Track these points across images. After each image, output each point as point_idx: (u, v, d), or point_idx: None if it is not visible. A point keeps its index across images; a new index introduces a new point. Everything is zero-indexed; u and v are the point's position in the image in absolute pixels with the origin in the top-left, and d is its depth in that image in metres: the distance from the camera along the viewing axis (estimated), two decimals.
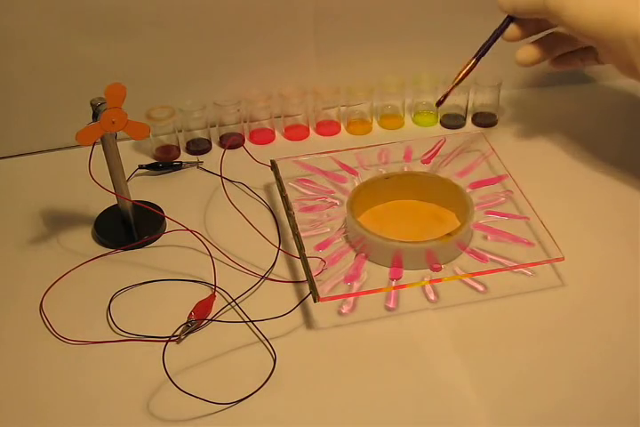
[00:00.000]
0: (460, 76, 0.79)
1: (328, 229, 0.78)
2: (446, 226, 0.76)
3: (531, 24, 0.77)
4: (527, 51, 0.78)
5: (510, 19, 0.77)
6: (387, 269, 0.74)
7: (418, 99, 0.94)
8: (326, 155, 0.84)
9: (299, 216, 0.77)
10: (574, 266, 0.73)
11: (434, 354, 0.66)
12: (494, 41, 0.78)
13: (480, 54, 0.78)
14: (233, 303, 0.71)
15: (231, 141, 0.90)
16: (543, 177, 0.84)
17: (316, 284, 0.68)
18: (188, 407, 0.62)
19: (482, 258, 0.74)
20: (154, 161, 0.89)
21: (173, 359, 0.65)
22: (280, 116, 0.92)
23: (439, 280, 0.71)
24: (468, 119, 0.94)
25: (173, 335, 0.68)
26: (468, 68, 0.78)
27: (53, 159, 0.90)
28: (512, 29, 0.77)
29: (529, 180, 0.80)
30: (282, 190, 0.79)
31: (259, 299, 0.72)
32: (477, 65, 0.78)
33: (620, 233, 0.77)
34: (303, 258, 0.71)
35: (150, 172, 0.88)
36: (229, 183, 0.84)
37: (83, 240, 0.79)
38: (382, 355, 0.67)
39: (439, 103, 0.80)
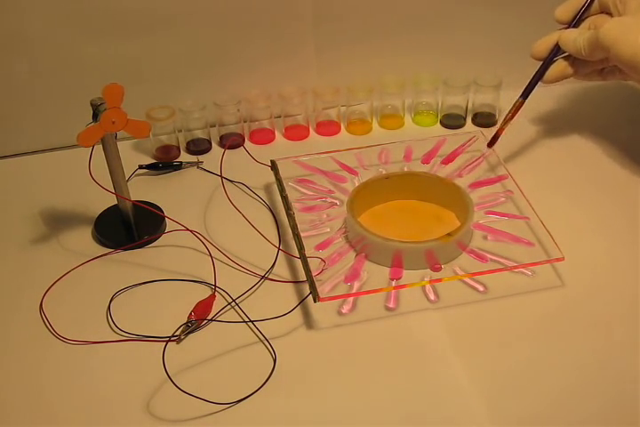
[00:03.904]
0: (510, 116, 0.80)
1: (328, 229, 0.78)
2: (446, 226, 0.76)
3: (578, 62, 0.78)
4: (558, 67, 0.78)
5: (554, 55, 0.78)
6: (387, 269, 0.74)
7: (418, 99, 0.94)
8: (326, 155, 0.84)
9: (299, 216, 0.77)
10: (574, 266, 0.73)
11: (434, 354, 0.66)
12: (540, 78, 0.79)
13: (527, 92, 0.80)
14: (233, 303, 0.71)
15: (231, 141, 0.90)
16: (543, 177, 0.84)
17: (316, 284, 0.68)
18: (188, 407, 0.62)
19: (482, 258, 0.74)
20: (154, 161, 0.89)
21: (173, 359, 0.65)
22: (280, 116, 0.92)
23: (439, 280, 0.71)
24: (468, 119, 0.94)
25: (173, 335, 0.68)
26: (516, 107, 0.80)
27: (53, 159, 0.90)
28: (562, 67, 0.78)
29: (529, 180, 0.80)
30: (282, 190, 0.79)
31: (259, 299, 0.72)
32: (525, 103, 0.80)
33: (620, 233, 0.77)
34: (303, 258, 0.71)
35: (150, 172, 0.88)
36: (229, 183, 0.84)
37: (83, 240, 0.79)
38: (382, 355, 0.67)
39: (491, 144, 0.81)
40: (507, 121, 0.80)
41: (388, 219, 0.79)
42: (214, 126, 0.91)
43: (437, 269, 0.73)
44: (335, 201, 0.81)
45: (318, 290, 0.68)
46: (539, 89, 0.80)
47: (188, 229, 0.74)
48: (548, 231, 0.73)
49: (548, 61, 0.78)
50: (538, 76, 0.79)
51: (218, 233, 0.78)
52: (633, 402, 0.62)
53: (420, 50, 0.93)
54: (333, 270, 0.73)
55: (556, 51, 0.78)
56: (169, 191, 0.85)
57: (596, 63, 0.78)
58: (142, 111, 0.85)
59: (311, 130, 0.94)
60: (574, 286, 0.72)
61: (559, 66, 0.78)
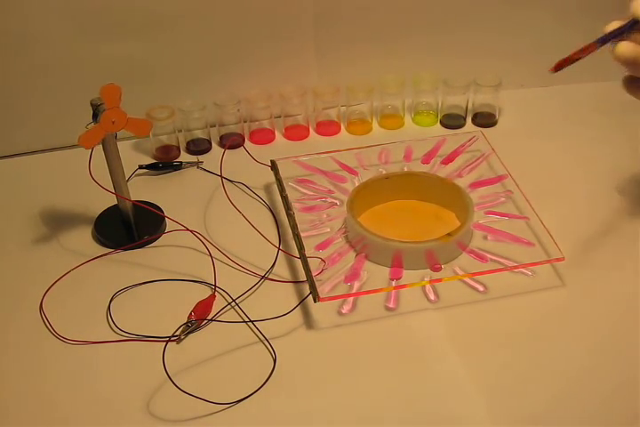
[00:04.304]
0: (576, 54, 0.69)
1: (328, 229, 0.78)
2: (446, 226, 0.76)
3: None
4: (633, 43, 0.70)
5: (631, 26, 0.70)
6: (387, 269, 0.74)
7: (418, 99, 0.94)
8: (326, 155, 0.84)
9: (299, 216, 0.77)
10: (574, 266, 0.73)
11: (434, 354, 0.67)
12: (621, 32, 0.69)
13: (604, 40, 0.67)
14: (233, 303, 0.71)
15: (231, 141, 0.90)
16: (543, 177, 0.84)
17: (316, 284, 0.68)
18: (187, 407, 0.62)
19: (482, 258, 0.74)
20: (154, 161, 0.89)
21: (173, 359, 0.65)
22: (280, 116, 0.92)
23: (439, 280, 0.71)
24: (468, 119, 0.94)
25: (173, 335, 0.68)
26: (586, 47, 0.67)
27: (53, 159, 0.90)
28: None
29: (529, 180, 0.81)
30: (282, 190, 0.79)
31: (259, 299, 0.72)
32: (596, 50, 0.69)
33: (619, 233, 0.77)
34: (303, 258, 0.71)
35: (150, 172, 0.88)
36: (229, 183, 0.84)
37: (83, 240, 0.79)
38: (382, 355, 0.67)
39: (557, 69, 0.70)
40: (576, 56, 0.66)
41: (388, 219, 0.79)
42: (214, 126, 0.91)
43: (437, 269, 0.73)
44: (335, 201, 0.81)
45: (318, 290, 0.68)
46: (539, 89, 0.79)
47: (188, 229, 0.74)
48: (548, 231, 0.73)
49: (628, 25, 0.66)
50: (620, 30, 0.66)
51: (218, 233, 0.78)
52: (632, 402, 0.62)
53: (421, 50, 0.93)
54: (333, 270, 0.73)
55: (633, 23, 0.66)
56: (169, 191, 0.85)
57: None
58: (142, 111, 0.85)
59: (311, 130, 0.94)
60: (574, 286, 0.72)
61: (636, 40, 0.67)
